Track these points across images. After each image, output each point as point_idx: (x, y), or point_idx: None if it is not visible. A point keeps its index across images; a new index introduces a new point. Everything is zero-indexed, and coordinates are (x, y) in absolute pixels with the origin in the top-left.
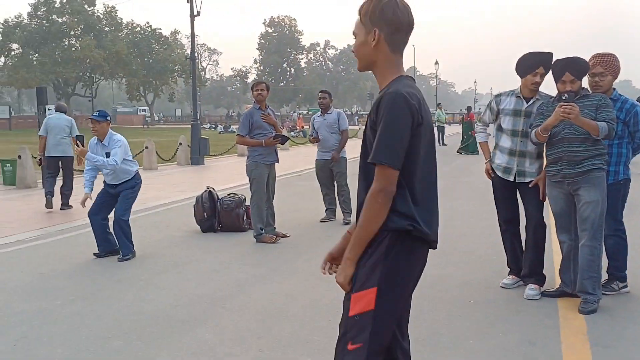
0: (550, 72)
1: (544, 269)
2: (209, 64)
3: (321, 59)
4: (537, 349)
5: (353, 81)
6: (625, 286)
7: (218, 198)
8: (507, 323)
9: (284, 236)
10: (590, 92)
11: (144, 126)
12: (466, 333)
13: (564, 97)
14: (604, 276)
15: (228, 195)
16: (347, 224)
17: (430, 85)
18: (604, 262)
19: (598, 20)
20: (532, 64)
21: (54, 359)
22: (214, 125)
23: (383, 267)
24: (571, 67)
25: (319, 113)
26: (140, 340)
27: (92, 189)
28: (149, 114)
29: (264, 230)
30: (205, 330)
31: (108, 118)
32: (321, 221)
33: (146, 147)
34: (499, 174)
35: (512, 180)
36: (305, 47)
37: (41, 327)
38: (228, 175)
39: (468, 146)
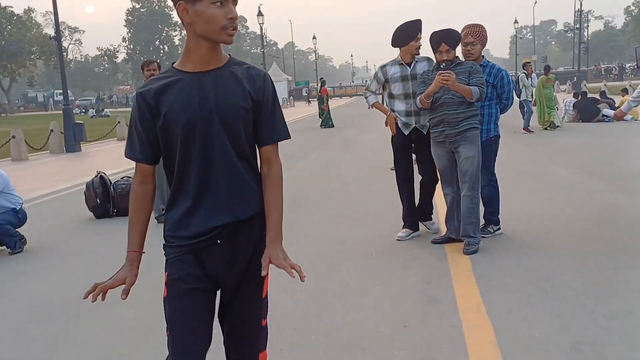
0: (429, 43)
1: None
2: (70, 43)
3: None
4: (433, 286)
5: (234, 54)
6: (499, 229)
7: (111, 182)
8: (406, 269)
9: None
10: (464, 60)
11: (1, 114)
12: (372, 281)
13: (442, 66)
14: (482, 222)
15: (122, 178)
16: None
17: (309, 60)
18: (481, 209)
19: None
20: (412, 32)
21: None
22: (83, 110)
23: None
24: (446, 39)
25: None
26: (55, 326)
27: None
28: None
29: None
30: (124, 309)
31: None
32: None
33: (13, 137)
34: (400, 125)
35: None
36: (178, 23)
37: None
38: (110, 160)
39: (323, 120)
